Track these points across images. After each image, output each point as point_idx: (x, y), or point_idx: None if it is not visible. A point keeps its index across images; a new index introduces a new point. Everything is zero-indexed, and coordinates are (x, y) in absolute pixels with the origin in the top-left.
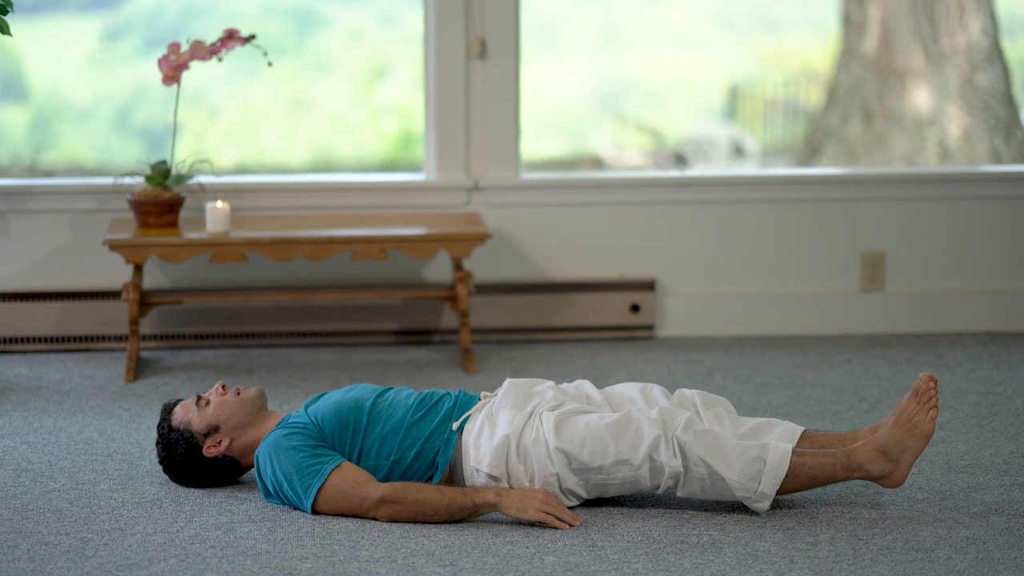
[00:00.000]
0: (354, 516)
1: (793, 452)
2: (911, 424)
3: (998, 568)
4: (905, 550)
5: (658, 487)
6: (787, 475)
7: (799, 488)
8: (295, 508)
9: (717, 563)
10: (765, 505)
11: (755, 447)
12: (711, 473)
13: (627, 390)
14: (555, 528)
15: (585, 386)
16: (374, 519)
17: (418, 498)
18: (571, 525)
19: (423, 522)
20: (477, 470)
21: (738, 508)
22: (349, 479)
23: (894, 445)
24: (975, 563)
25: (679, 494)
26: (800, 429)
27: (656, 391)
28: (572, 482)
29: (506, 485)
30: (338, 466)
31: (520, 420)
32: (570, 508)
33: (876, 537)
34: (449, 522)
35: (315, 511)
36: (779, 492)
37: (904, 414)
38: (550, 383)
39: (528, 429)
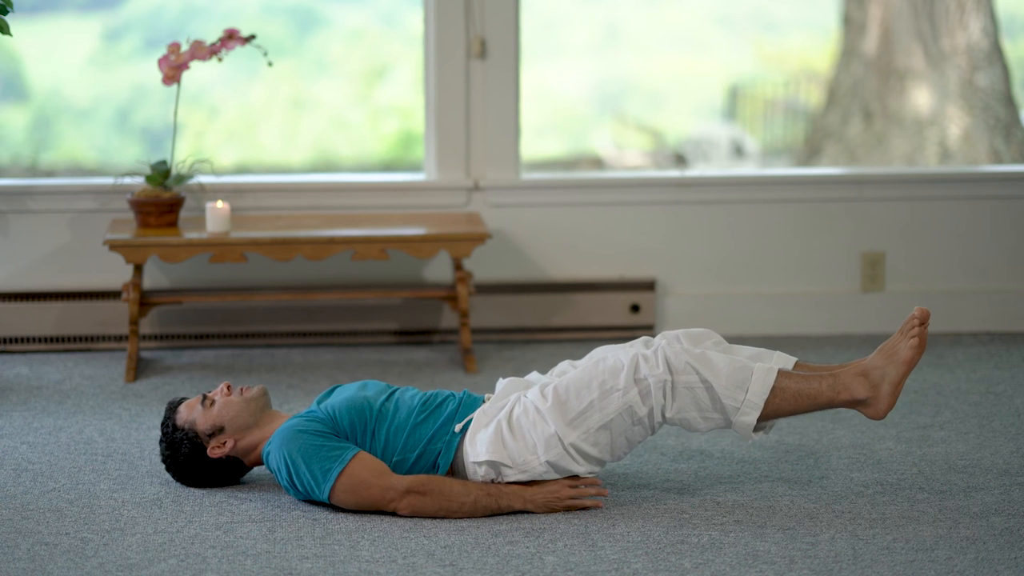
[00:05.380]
0: (371, 508)
1: (780, 371)
2: (892, 352)
3: (998, 568)
4: (905, 550)
5: (651, 411)
6: (774, 390)
7: (786, 409)
8: (308, 498)
9: (717, 563)
10: (752, 418)
11: (742, 360)
12: (702, 380)
13: (604, 348)
14: (586, 508)
15: (565, 364)
16: (392, 512)
17: (444, 490)
18: (600, 495)
19: (444, 517)
20: (476, 463)
21: (738, 508)
22: (370, 467)
23: (875, 370)
24: (975, 563)
25: (669, 415)
26: (793, 359)
27: (637, 341)
28: (574, 437)
29: (508, 465)
30: (357, 454)
31: (508, 405)
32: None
33: (876, 537)
34: (466, 518)
35: (332, 499)
36: (769, 415)
37: (888, 343)
38: (537, 374)
39: (516, 407)
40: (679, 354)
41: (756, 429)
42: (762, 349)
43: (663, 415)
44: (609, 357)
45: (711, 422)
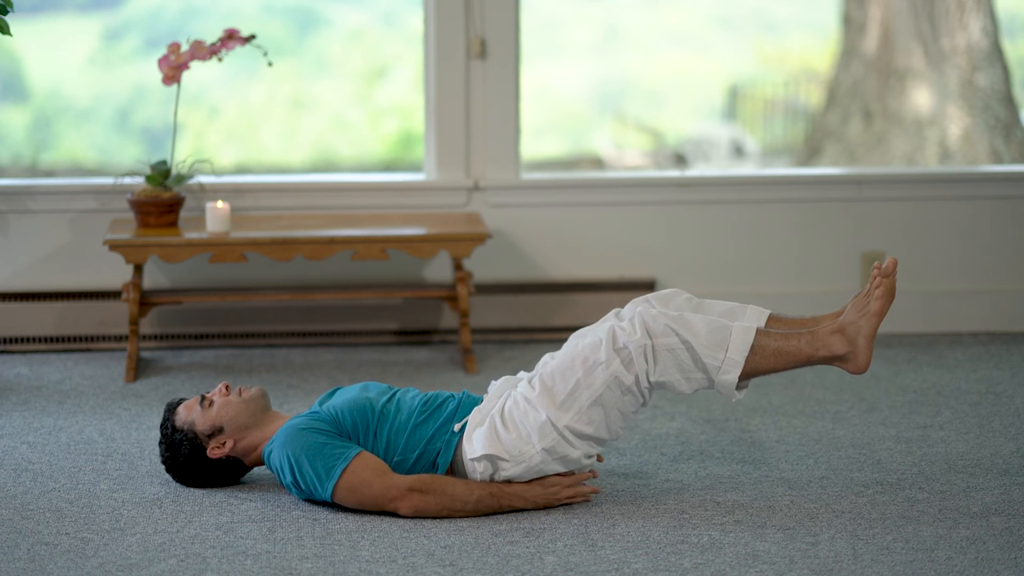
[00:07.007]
0: (372, 507)
1: (758, 329)
2: (863, 305)
3: (998, 568)
4: (905, 550)
5: (637, 378)
6: (754, 348)
7: (766, 366)
8: (310, 497)
9: (717, 563)
10: (733, 376)
11: (719, 320)
12: (682, 341)
13: (581, 330)
14: (583, 501)
15: (546, 356)
16: (393, 512)
17: (447, 489)
18: (594, 487)
19: (446, 516)
20: (474, 459)
21: (738, 508)
22: (373, 466)
23: (850, 326)
24: (975, 563)
25: (653, 379)
26: (767, 312)
27: (609, 314)
28: (567, 419)
29: (505, 459)
30: (359, 454)
31: (500, 401)
32: (592, 457)
33: (876, 537)
34: (467, 518)
35: (334, 497)
36: (749, 373)
37: (860, 296)
38: (525, 372)
39: (507, 402)
40: (657, 317)
41: (737, 388)
42: (735, 304)
43: (648, 379)
44: (587, 336)
45: (694, 383)
